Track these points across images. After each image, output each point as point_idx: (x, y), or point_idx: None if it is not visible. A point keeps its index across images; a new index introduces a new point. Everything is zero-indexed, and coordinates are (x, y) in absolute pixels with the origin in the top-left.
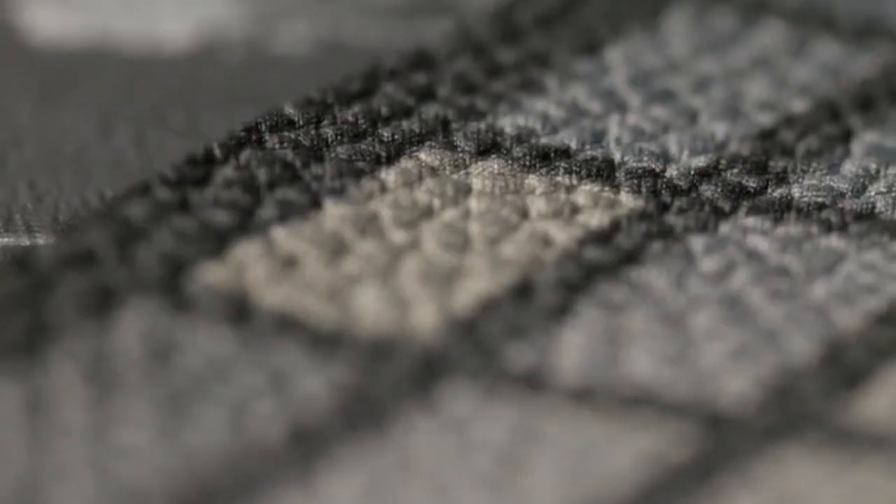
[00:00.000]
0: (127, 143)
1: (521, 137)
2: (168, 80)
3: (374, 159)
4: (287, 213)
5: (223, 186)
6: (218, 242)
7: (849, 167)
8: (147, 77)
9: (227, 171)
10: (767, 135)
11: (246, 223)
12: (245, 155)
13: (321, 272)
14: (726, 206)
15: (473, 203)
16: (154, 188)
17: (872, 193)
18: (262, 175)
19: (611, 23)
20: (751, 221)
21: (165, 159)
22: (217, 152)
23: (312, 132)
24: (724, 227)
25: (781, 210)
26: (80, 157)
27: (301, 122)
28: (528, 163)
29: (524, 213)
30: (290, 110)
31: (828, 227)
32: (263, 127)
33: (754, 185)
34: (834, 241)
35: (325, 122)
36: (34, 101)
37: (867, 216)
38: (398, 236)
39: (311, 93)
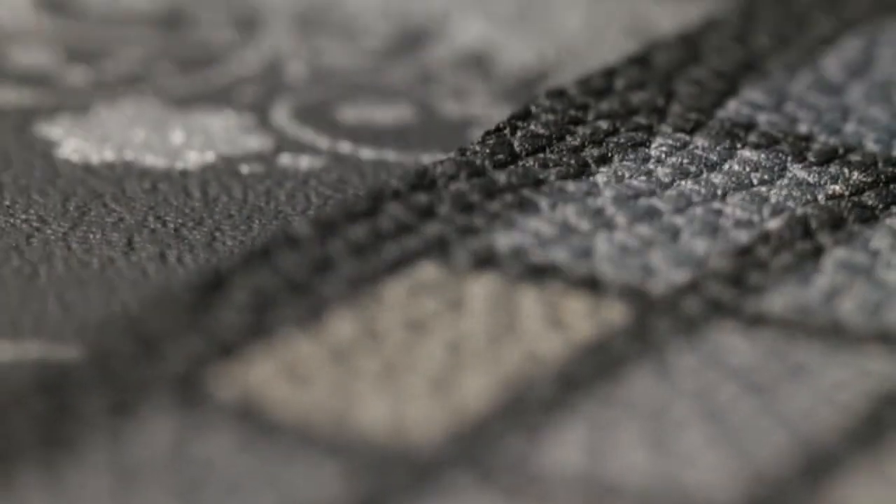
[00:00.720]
0: (149, 258)
1: (515, 254)
2: (187, 198)
3: (378, 273)
4: (295, 324)
5: (237, 301)
6: (231, 351)
7: (820, 282)
8: (168, 194)
9: (241, 286)
10: (745, 251)
11: (258, 333)
12: (257, 271)
13: (326, 379)
14: (707, 318)
15: (470, 316)
16: (171, 302)
17: (842, 305)
18: (273, 289)
19: (600, 147)
20: (729, 334)
21: (185, 273)
22: (231, 270)
23: (320, 249)
24: (705, 338)
25: (757, 322)
26: (105, 271)
27: (310, 240)
28: (521, 278)
29: (517, 326)
30: (299, 228)
31: (801, 337)
32: (275, 245)
33: (732, 298)
34: (804, 351)
35: (332, 239)
36: (65, 219)
37: (837, 327)
38: (399, 346)
39: (319, 211)
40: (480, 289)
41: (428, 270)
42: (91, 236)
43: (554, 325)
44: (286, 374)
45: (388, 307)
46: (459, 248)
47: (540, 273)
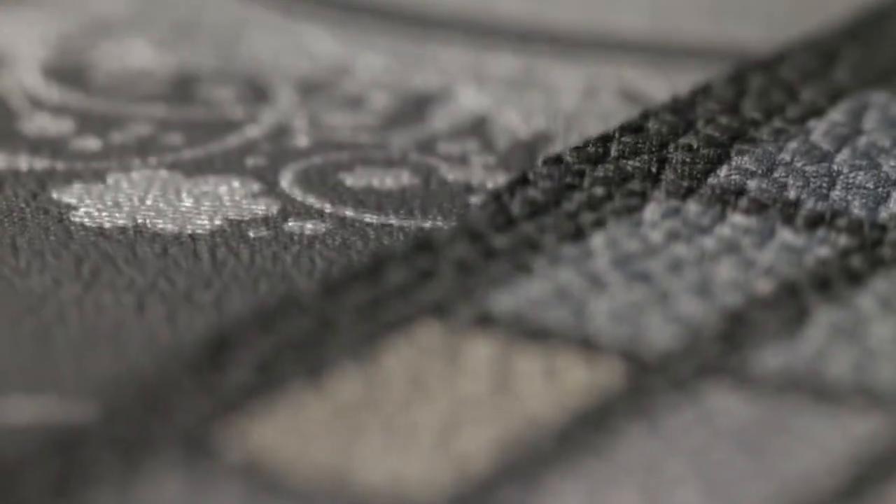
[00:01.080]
0: (159, 320)
1: (513, 316)
2: (196, 261)
3: (379, 334)
4: (300, 383)
5: (243, 361)
6: (237, 410)
7: (808, 343)
8: (178, 258)
9: (247, 347)
10: (735, 313)
11: (263, 392)
12: (263, 332)
13: (329, 437)
14: (699, 379)
15: (469, 376)
16: (180, 361)
17: (830, 366)
18: (278, 349)
19: (595, 212)
20: (720, 395)
21: (194, 333)
22: (237, 331)
23: (324, 310)
24: (698, 399)
25: (748, 383)
26: (117, 332)
27: (314, 302)
28: (518, 339)
29: (515, 386)
30: (304, 290)
31: (791, 397)
32: (280, 306)
33: (723, 360)
34: (793, 412)
35: (336, 301)
36: (78, 281)
37: (825, 388)
38: (400, 405)
39: (324, 274)
40: (479, 350)
41: (428, 331)
42: (103, 298)
43: (551, 386)
44: (290, 432)
45: (389, 367)
46: (459, 310)
47: (537, 335)
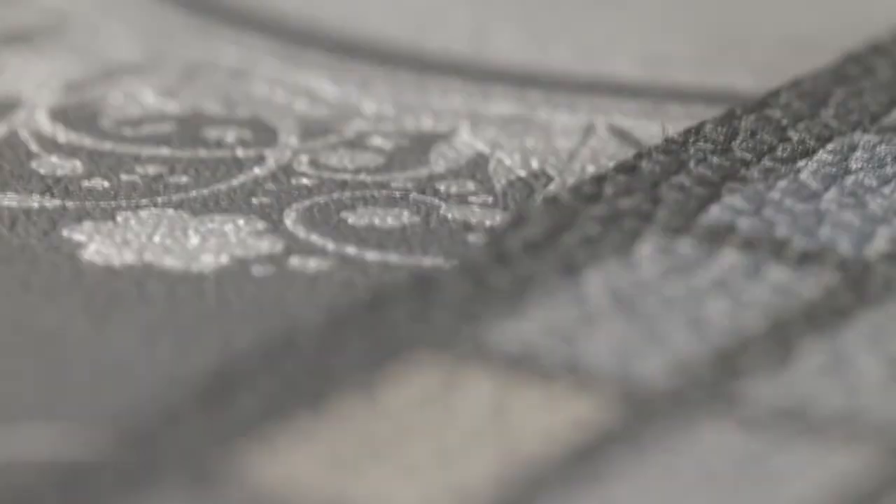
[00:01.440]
0: (168, 357)
1: (508, 351)
2: (203, 298)
3: (379, 370)
4: (303, 411)
5: (246, 395)
6: (242, 439)
7: (797, 380)
8: (185, 295)
9: (251, 380)
10: (725, 350)
11: (266, 422)
12: (268, 364)
13: (332, 466)
14: (689, 417)
15: (463, 412)
16: (185, 398)
17: (818, 404)
18: (283, 381)
19: (589, 250)
20: (710, 433)
21: (201, 368)
22: (242, 366)
23: (326, 346)
24: (688, 436)
25: (737, 421)
26: (125, 366)
27: (316, 338)
28: (513, 374)
29: (508, 422)
30: (306, 328)
31: (780, 435)
32: (284, 341)
33: (713, 398)
34: (782, 450)
35: (337, 337)
36: (88, 316)
37: (814, 426)
38: (398, 444)
39: (326, 310)
40: (477, 384)
41: (427, 366)
42: (112, 333)
43: (546, 421)
44: (294, 463)
45: (389, 401)
46: (457, 345)
47: (532, 370)
